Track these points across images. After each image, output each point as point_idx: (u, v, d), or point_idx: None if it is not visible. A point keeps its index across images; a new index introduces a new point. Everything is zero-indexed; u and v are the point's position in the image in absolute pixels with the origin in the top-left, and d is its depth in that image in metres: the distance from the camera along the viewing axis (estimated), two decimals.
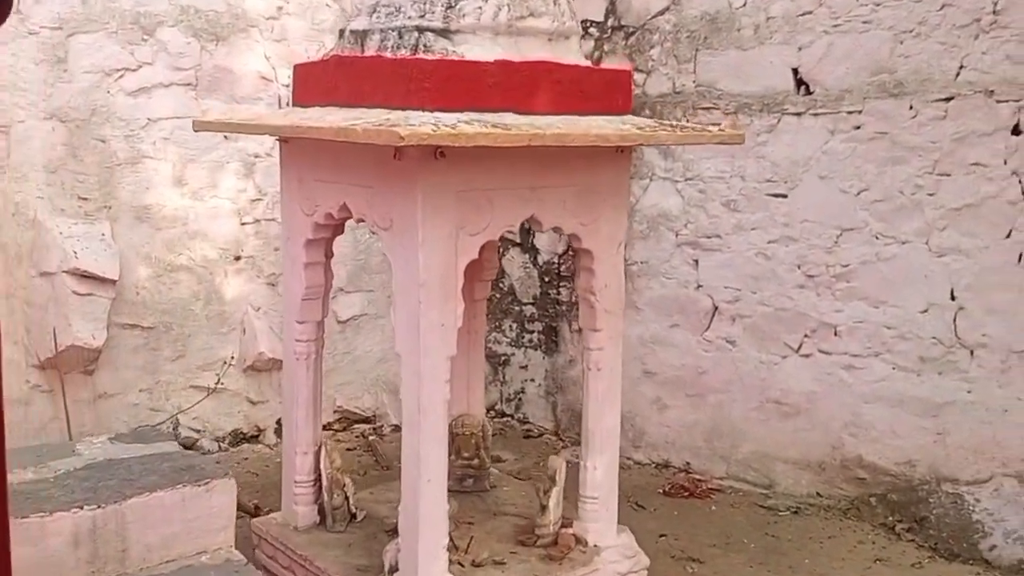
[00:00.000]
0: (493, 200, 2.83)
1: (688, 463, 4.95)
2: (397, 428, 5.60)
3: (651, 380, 5.05)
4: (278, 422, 5.34)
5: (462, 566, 3.16)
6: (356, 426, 5.67)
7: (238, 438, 5.28)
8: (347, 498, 3.48)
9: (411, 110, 2.66)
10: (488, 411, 5.89)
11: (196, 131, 3.34)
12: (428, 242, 2.72)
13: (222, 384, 5.17)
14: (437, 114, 2.60)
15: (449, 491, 3.80)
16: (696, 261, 4.85)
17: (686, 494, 4.67)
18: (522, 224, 3.36)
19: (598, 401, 3.25)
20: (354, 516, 3.50)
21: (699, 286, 4.84)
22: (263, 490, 4.57)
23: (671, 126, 2.97)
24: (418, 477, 2.86)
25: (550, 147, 2.69)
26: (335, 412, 5.63)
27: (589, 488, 3.29)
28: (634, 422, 5.10)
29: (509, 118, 2.72)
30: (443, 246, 2.75)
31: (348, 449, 5.38)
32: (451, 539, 3.26)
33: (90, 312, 4.75)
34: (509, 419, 5.84)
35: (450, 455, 3.85)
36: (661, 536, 4.20)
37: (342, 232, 3.33)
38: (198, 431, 5.13)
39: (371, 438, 5.49)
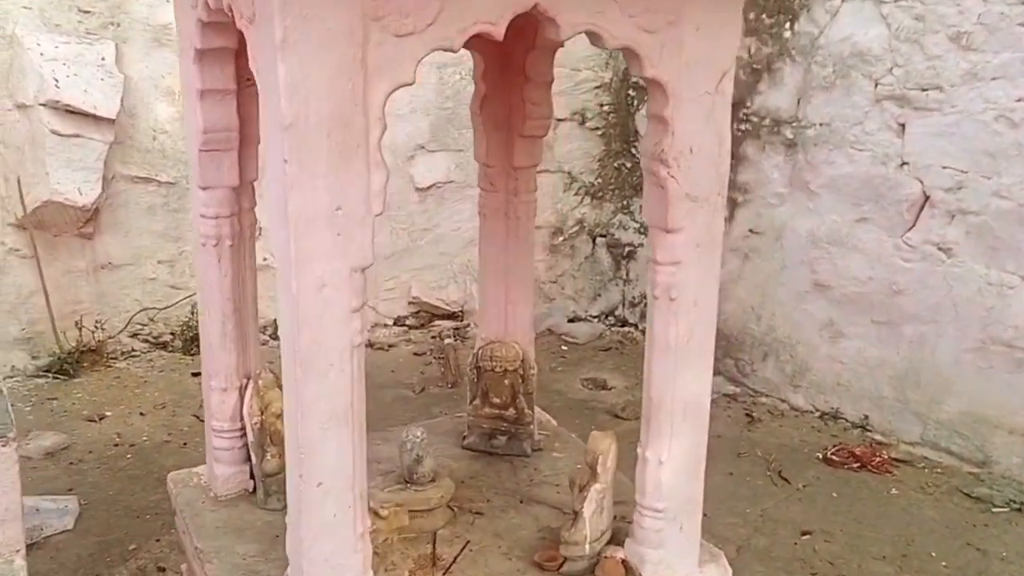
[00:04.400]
0: None
1: (866, 417, 3.57)
2: None
3: (823, 296, 3.62)
4: None
5: None
6: (436, 323, 4.48)
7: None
8: None
9: None
10: (605, 316, 4.59)
11: None
12: (293, 43, 1.37)
13: (267, 259, 4.02)
14: None
15: (473, 450, 2.57)
16: (902, 126, 3.39)
17: (856, 465, 3.33)
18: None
19: (669, 355, 1.85)
20: None
21: (904, 163, 3.34)
22: None
23: None
24: (300, 480, 1.58)
25: None
26: (410, 304, 4.47)
27: (650, 494, 1.92)
28: (795, 351, 3.73)
29: None
30: (334, 53, 1.40)
31: (416, 354, 4.20)
32: (433, 546, 2.04)
33: (76, 159, 3.71)
34: (631, 330, 4.53)
35: (475, 399, 2.58)
36: (804, 535, 2.86)
37: None
38: None
39: (447, 342, 4.29)
